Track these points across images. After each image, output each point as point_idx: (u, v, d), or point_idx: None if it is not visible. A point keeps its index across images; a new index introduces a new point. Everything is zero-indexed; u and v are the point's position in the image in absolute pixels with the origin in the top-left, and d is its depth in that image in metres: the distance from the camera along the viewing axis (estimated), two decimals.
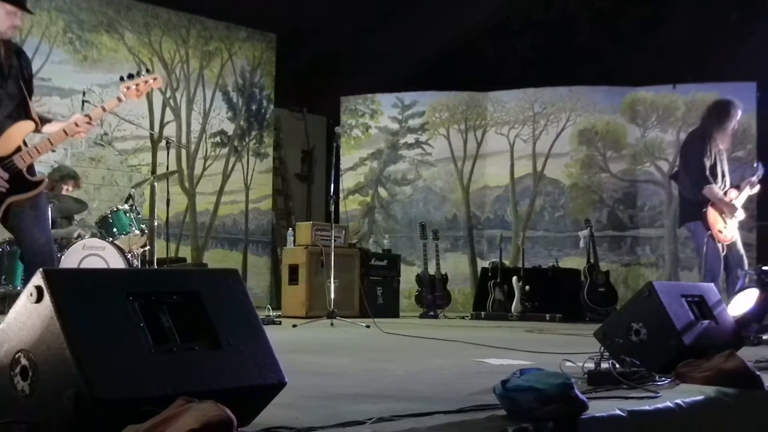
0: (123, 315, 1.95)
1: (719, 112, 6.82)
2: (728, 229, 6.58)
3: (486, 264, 10.89)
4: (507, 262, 10.84)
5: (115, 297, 1.96)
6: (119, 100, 4.53)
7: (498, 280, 9.91)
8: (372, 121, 12.50)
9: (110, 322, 1.91)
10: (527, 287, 9.68)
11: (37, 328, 1.88)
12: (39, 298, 1.88)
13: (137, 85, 4.53)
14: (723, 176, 6.72)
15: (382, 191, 12.35)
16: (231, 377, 2.03)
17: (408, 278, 10.68)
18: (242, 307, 2.19)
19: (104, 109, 4.53)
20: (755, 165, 6.97)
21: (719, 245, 6.54)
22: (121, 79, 4.58)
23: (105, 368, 1.82)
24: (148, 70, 4.76)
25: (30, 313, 1.90)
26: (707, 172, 6.57)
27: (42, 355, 1.86)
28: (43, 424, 1.85)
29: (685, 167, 6.89)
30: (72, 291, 1.91)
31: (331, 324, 7.35)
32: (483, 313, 9.80)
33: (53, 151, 4.75)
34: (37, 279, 1.89)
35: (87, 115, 4.46)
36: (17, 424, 1.88)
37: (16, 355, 1.91)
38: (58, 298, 1.86)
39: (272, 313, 8.60)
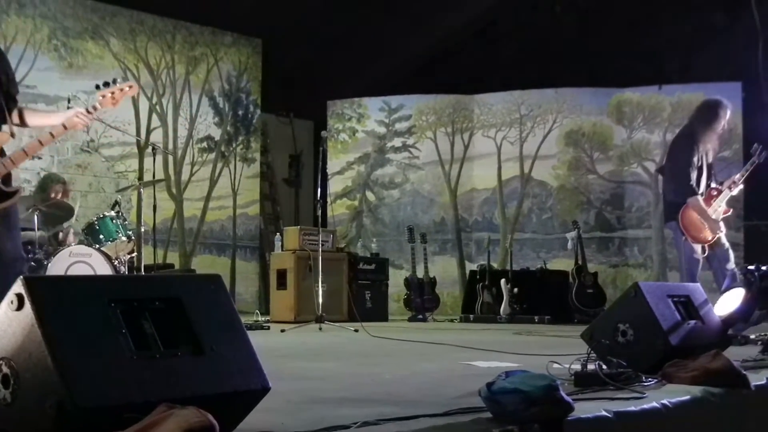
0: (105, 322, 1.93)
1: (707, 112, 6.80)
2: (707, 229, 6.56)
3: (474, 267, 10.89)
4: (495, 265, 10.84)
5: (96, 304, 1.95)
6: (95, 108, 4.50)
7: (486, 283, 9.92)
8: (359, 125, 12.51)
9: (92, 329, 1.90)
10: (516, 289, 9.69)
11: (18, 336, 1.86)
12: (20, 306, 1.87)
13: (112, 93, 4.51)
14: (708, 176, 6.72)
15: (369, 195, 12.35)
16: (214, 383, 2.02)
17: (396, 282, 10.67)
18: (225, 312, 2.18)
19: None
20: (754, 146, 6.85)
21: (697, 246, 6.54)
22: (97, 87, 4.57)
23: (87, 375, 1.81)
24: (124, 79, 4.73)
25: (11, 321, 1.89)
26: (693, 182, 6.54)
27: (23, 363, 1.85)
28: None
29: (672, 171, 6.86)
30: (53, 298, 1.89)
31: (320, 328, 7.35)
32: (472, 315, 9.81)
33: (31, 159, 4.65)
34: (18, 287, 1.88)
35: (89, 109, 4.43)
36: None
37: None
38: (38, 305, 1.84)
39: (261, 318, 8.59)
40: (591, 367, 3.03)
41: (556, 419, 2.21)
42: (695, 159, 6.56)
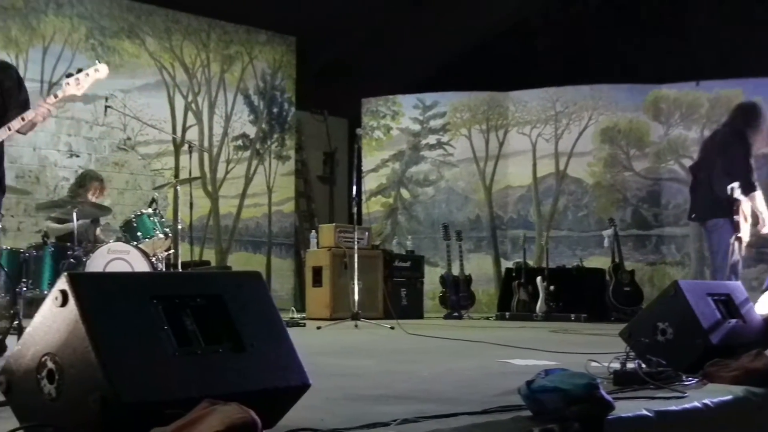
0: (147, 318, 1.95)
1: (750, 114, 6.66)
2: (762, 224, 6.51)
3: (510, 264, 10.86)
4: (531, 262, 10.79)
5: (139, 300, 1.97)
6: (55, 96, 4.48)
7: (522, 281, 9.88)
8: (393, 122, 12.50)
9: (135, 325, 1.92)
10: (552, 287, 9.65)
11: (62, 332, 1.89)
12: (64, 302, 1.89)
13: (77, 79, 4.48)
14: None
15: (404, 192, 12.35)
16: (255, 379, 2.03)
17: (432, 279, 10.66)
18: (265, 309, 2.19)
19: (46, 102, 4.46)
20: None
21: (736, 245, 6.45)
22: (69, 75, 4.53)
23: (130, 371, 1.82)
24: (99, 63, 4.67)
25: (55, 317, 1.91)
26: (754, 178, 6.45)
27: (68, 359, 1.87)
28: (69, 427, 1.86)
29: (730, 168, 6.62)
30: (96, 295, 1.91)
31: (356, 326, 7.36)
32: (507, 313, 9.77)
33: None
34: (62, 283, 1.90)
35: (46, 98, 4.43)
36: (44, 427, 1.89)
37: (43, 359, 1.92)
38: (82, 301, 1.86)
39: (296, 315, 8.63)
40: (630, 365, 3.00)
41: (596, 418, 2.19)
42: (751, 157, 6.47)
